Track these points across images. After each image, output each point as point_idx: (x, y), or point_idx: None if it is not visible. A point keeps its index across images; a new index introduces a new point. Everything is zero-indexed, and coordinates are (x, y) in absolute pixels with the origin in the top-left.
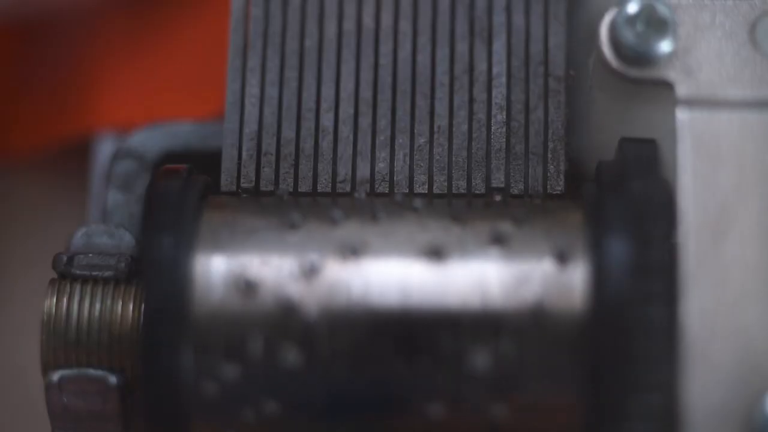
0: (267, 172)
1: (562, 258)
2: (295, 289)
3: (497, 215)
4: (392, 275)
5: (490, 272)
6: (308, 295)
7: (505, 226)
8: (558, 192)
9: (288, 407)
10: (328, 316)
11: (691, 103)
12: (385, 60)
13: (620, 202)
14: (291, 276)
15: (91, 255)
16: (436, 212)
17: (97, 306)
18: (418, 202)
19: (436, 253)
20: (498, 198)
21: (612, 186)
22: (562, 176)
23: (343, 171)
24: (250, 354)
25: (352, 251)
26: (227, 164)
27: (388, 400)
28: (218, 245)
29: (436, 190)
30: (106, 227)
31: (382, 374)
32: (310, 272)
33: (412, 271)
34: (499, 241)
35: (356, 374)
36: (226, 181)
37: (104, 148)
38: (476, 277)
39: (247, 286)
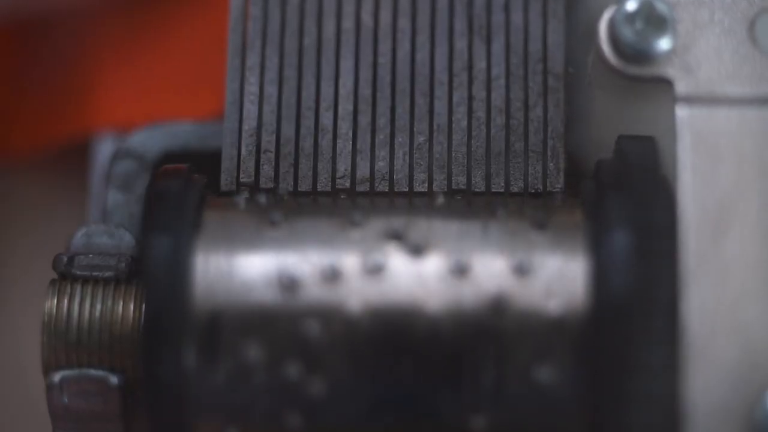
0: (266, 170)
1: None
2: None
3: (499, 261)
4: (389, 333)
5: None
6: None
7: (509, 280)
8: (557, 189)
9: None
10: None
11: (691, 100)
12: (384, 58)
13: (620, 200)
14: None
15: (91, 255)
16: (434, 262)
17: (98, 306)
18: (417, 235)
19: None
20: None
21: (612, 184)
22: (561, 174)
23: (343, 169)
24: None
25: (354, 307)
26: (227, 164)
27: None
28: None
29: (436, 188)
30: (106, 227)
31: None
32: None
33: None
34: (500, 298)
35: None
36: (226, 180)
37: (104, 148)
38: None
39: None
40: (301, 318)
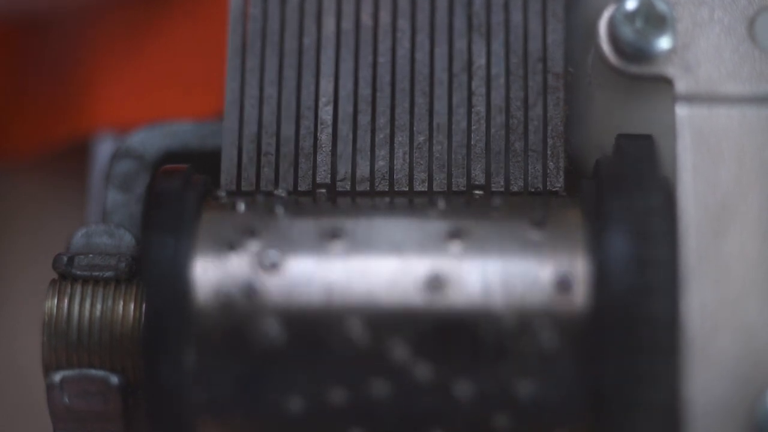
0: (267, 171)
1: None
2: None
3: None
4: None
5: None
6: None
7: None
8: (557, 189)
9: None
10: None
11: (691, 99)
12: (384, 58)
13: (620, 199)
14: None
15: (91, 255)
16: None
17: (98, 306)
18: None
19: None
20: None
21: (611, 183)
22: (561, 173)
23: (343, 169)
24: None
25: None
26: (227, 164)
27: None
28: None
29: (435, 188)
30: (106, 227)
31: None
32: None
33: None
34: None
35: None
36: (226, 180)
37: (104, 148)
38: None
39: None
40: None
